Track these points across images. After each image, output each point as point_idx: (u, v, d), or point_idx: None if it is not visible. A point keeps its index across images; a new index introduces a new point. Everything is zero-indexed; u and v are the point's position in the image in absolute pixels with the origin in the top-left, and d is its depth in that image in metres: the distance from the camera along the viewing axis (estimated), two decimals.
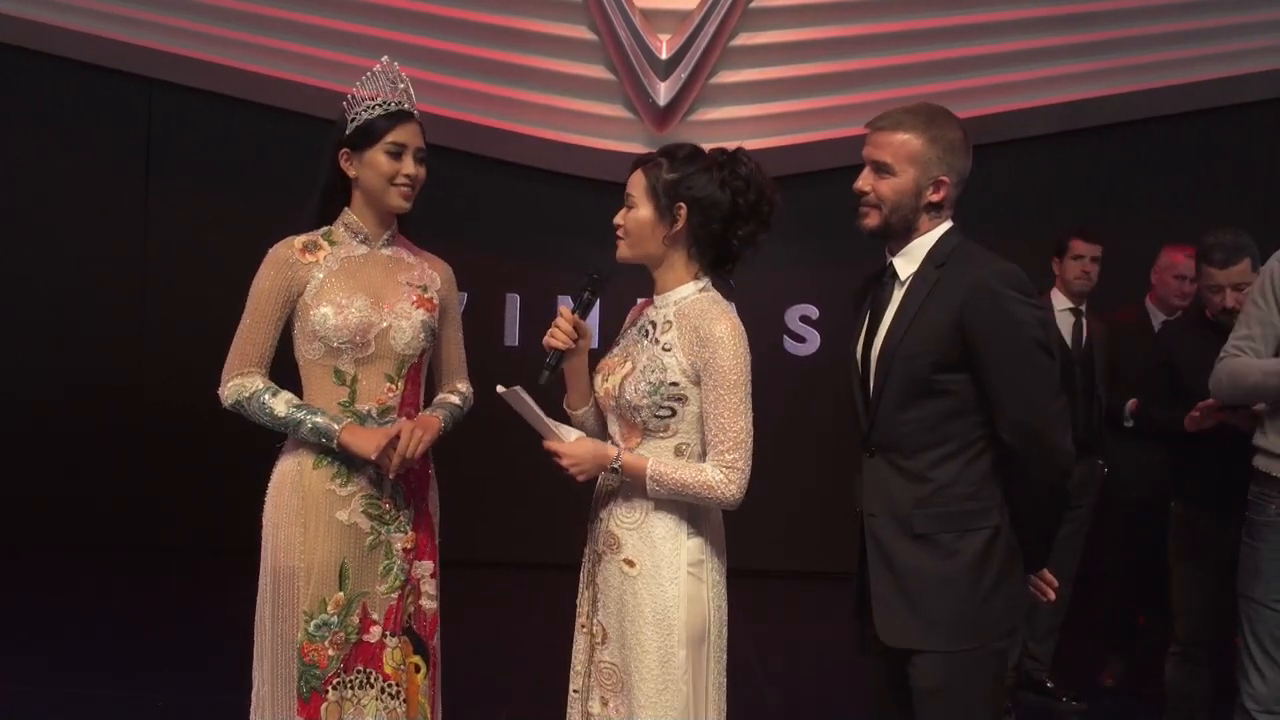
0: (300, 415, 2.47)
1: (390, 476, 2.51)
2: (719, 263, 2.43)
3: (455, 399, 2.70)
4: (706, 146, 2.43)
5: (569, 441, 2.37)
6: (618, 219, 2.40)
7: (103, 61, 6.02)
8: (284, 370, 2.57)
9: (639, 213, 2.37)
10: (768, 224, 2.39)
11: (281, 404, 2.48)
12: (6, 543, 5.83)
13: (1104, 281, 4.49)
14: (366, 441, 2.45)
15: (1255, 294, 3.12)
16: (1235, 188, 5.91)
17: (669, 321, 2.37)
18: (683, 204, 2.34)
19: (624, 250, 2.41)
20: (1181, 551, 3.66)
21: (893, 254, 2.42)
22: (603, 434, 2.49)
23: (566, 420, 2.48)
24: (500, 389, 2.33)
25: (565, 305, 2.45)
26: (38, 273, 6.13)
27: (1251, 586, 3.05)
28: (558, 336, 2.39)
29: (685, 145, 2.41)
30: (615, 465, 2.33)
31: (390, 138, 2.49)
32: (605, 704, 2.38)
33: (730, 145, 2.43)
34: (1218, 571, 3.43)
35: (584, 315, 2.43)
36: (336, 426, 2.46)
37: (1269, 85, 6.02)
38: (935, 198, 2.36)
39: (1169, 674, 3.66)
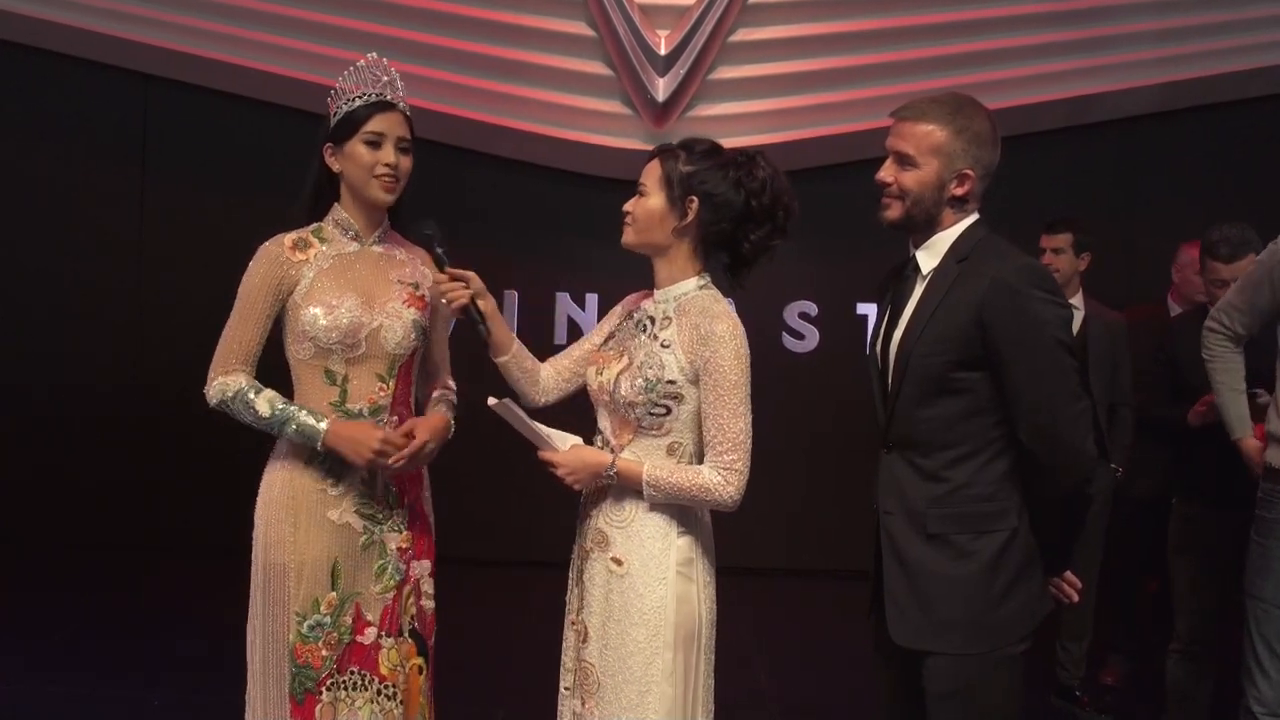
0: (286, 414, 2.42)
1: (386, 472, 2.47)
2: (732, 267, 2.40)
3: (452, 398, 2.67)
4: (725, 142, 2.40)
5: (563, 450, 2.35)
6: (628, 206, 2.37)
7: (99, 57, 5.99)
8: (275, 372, 2.53)
9: (650, 201, 2.34)
10: (783, 230, 2.37)
11: (265, 403, 2.44)
12: (2, 539, 5.80)
13: (1109, 278, 4.46)
14: (356, 449, 2.40)
15: (1258, 267, 3.13)
16: (1241, 183, 5.89)
17: (668, 318, 2.34)
18: (695, 198, 2.31)
19: (630, 237, 2.38)
20: (1183, 549, 3.64)
21: (916, 246, 2.37)
22: (529, 383, 2.49)
23: (537, 408, 2.46)
24: (491, 401, 2.32)
25: (431, 274, 2.49)
26: (34, 269, 6.11)
27: (1260, 586, 3.02)
28: (454, 294, 2.39)
29: (705, 140, 2.39)
30: (610, 473, 2.30)
31: (368, 127, 2.46)
32: (583, 703, 2.35)
33: (748, 143, 2.40)
34: (1219, 569, 3.43)
35: (447, 266, 2.43)
36: (322, 427, 2.41)
37: (1275, 81, 5.99)
38: (959, 191, 2.31)
39: (1170, 673, 3.65)
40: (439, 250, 2.45)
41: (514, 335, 2.49)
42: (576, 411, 2.55)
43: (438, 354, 2.69)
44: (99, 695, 4.10)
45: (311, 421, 2.41)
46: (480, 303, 2.42)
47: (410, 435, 2.46)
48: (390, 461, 2.42)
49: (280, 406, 2.44)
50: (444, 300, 2.43)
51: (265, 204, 5.34)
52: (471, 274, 2.43)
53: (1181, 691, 3.62)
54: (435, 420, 2.54)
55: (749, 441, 2.28)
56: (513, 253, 6.02)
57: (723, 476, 2.27)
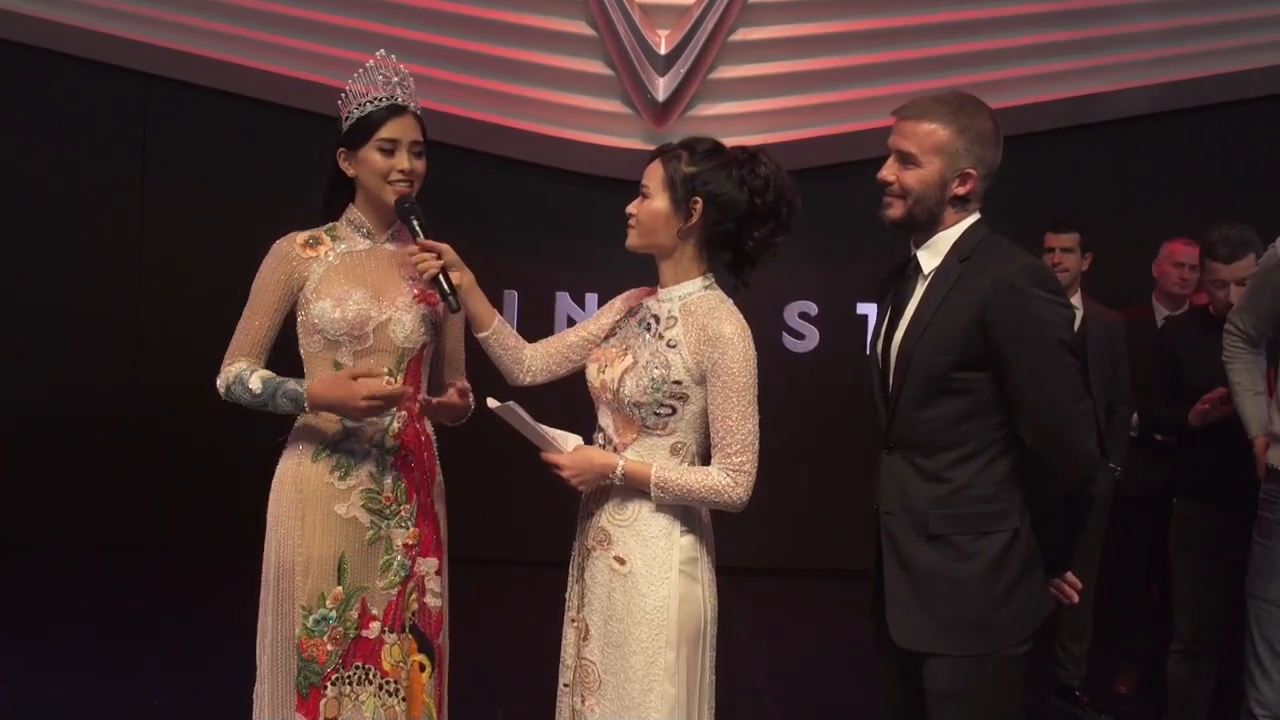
0: (274, 384, 2.45)
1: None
2: (735, 265, 2.40)
3: (469, 395, 2.66)
4: (726, 142, 2.40)
5: (567, 452, 2.34)
6: (630, 208, 2.37)
7: (99, 57, 5.98)
8: (290, 367, 2.55)
9: (653, 203, 2.33)
10: (786, 227, 2.36)
11: (257, 380, 2.46)
12: (2, 539, 5.80)
13: (1108, 278, 4.45)
14: (347, 403, 2.39)
15: (1259, 270, 3.16)
16: (1241, 183, 5.89)
17: (673, 317, 2.34)
18: (699, 198, 2.30)
19: (634, 239, 2.37)
20: (1184, 548, 3.64)
21: (917, 246, 2.37)
22: (511, 360, 2.49)
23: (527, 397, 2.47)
24: (491, 403, 2.31)
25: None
26: (34, 269, 6.10)
27: (1262, 586, 3.02)
28: (425, 264, 2.40)
29: (706, 139, 2.38)
30: (617, 475, 2.30)
31: (382, 134, 2.46)
32: (583, 701, 2.35)
33: (750, 142, 2.39)
34: (1221, 569, 3.42)
35: (421, 237, 2.45)
36: (302, 390, 2.42)
37: (1275, 81, 5.99)
38: (961, 190, 2.30)
39: (1170, 672, 3.64)
40: (414, 222, 2.47)
41: (495, 311, 2.50)
42: (575, 409, 2.55)
43: (455, 352, 2.70)
44: (99, 695, 4.09)
45: (295, 386, 2.44)
46: (454, 275, 2.43)
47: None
48: (381, 393, 2.40)
49: (270, 379, 2.46)
50: (416, 271, 2.44)
51: (265, 204, 5.42)
52: (445, 246, 2.44)
53: (1182, 691, 3.61)
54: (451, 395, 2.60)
55: (757, 443, 2.28)
56: (513, 252, 6.02)
57: (731, 478, 2.27)
